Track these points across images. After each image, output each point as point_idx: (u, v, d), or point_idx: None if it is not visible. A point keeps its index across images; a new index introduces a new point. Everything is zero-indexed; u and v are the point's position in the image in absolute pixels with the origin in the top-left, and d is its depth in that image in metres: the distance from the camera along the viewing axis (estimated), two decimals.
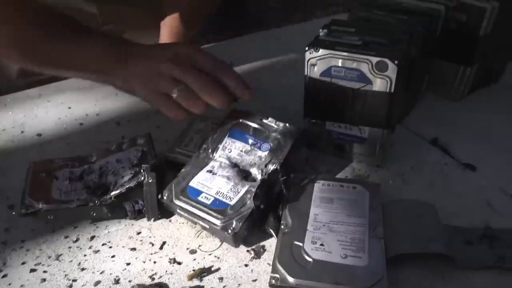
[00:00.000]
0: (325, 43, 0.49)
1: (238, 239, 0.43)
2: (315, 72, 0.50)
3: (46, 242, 0.47)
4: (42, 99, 0.72)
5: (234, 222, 0.43)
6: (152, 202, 0.47)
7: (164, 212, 0.48)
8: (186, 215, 0.46)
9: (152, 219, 0.48)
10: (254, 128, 0.52)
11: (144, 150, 0.53)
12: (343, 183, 0.49)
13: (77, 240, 0.47)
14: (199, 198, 0.45)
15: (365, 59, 0.46)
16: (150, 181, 0.46)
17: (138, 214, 0.48)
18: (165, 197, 0.46)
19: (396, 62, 0.45)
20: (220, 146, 0.51)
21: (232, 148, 0.50)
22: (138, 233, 0.47)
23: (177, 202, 0.45)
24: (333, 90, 0.50)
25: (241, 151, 0.50)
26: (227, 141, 0.51)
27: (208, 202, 0.45)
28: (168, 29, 0.86)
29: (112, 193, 0.47)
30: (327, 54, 0.48)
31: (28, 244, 0.46)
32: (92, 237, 0.47)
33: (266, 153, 0.50)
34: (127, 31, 0.91)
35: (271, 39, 0.90)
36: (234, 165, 0.49)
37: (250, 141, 0.51)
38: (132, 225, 0.48)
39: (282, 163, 0.49)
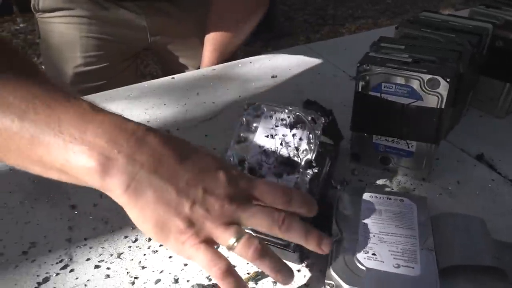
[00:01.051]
0: (377, 60, 0.51)
1: (302, 256, 0.44)
2: (365, 87, 0.52)
3: (108, 241, 0.50)
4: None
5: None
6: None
7: None
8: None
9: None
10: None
11: None
12: (390, 195, 0.50)
13: (136, 240, 0.50)
14: None
15: (417, 76, 0.48)
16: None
17: None
18: None
19: (448, 80, 0.46)
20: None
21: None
22: None
23: None
24: (382, 105, 0.51)
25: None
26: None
27: None
28: (211, 43, 0.90)
29: None
30: (378, 71, 0.50)
31: (90, 242, 0.50)
32: (150, 238, 0.50)
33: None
34: (173, 42, 0.95)
35: (311, 53, 0.92)
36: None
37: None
38: None
39: (327, 178, 0.49)
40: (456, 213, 0.49)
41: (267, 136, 0.46)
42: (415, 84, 0.48)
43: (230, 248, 0.36)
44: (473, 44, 0.56)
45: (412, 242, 0.44)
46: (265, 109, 0.47)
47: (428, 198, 0.50)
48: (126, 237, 0.50)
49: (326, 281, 0.41)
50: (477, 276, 0.42)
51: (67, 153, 0.33)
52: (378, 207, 0.49)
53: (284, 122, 0.46)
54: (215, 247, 0.38)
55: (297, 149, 0.44)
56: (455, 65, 0.50)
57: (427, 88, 0.48)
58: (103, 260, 0.47)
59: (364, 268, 0.41)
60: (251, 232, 0.44)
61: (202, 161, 0.38)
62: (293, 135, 0.45)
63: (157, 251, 0.48)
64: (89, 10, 0.86)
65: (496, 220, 0.48)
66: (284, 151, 0.45)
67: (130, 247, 0.49)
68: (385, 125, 0.53)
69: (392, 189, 0.55)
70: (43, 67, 1.00)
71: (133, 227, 0.51)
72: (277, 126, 0.46)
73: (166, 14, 0.90)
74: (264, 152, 0.46)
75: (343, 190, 0.51)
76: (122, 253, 0.48)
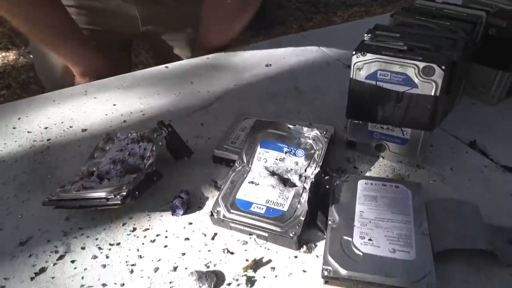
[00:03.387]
0: (372, 48, 0.51)
1: (300, 242, 0.45)
2: (361, 75, 0.52)
3: (105, 230, 0.50)
4: (89, 96, 0.76)
5: (295, 226, 0.45)
6: (181, 143, 0.57)
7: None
8: (241, 227, 0.47)
9: (191, 155, 0.57)
10: (284, 135, 0.55)
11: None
12: (385, 182, 0.51)
13: (134, 229, 0.50)
14: (252, 209, 0.47)
15: (412, 63, 0.48)
16: (170, 129, 0.56)
17: (188, 207, 0.51)
18: (215, 214, 0.48)
19: (443, 67, 0.46)
20: (255, 157, 0.53)
21: (267, 158, 0.53)
22: (190, 224, 0.50)
23: (230, 216, 0.47)
24: (377, 92, 0.52)
25: (276, 159, 0.53)
26: (260, 151, 0.54)
27: (262, 212, 0.47)
28: (206, 33, 0.89)
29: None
30: (373, 59, 0.50)
31: (87, 231, 0.50)
32: (147, 228, 0.50)
33: (302, 158, 0.52)
34: (166, 33, 0.94)
35: (305, 41, 0.92)
36: (272, 173, 0.52)
37: (284, 148, 0.53)
38: (183, 216, 0.51)
39: (321, 165, 0.51)
40: (450, 198, 0.49)
41: (118, 151, 0.57)
42: (410, 72, 0.49)
43: None
44: (467, 32, 0.56)
45: (407, 227, 0.44)
46: (119, 135, 0.60)
47: (422, 184, 0.51)
48: (124, 224, 0.50)
49: (323, 266, 0.41)
50: (470, 260, 0.43)
51: None
52: (374, 193, 0.49)
53: (134, 139, 0.58)
54: None
55: (142, 157, 0.54)
56: (449, 53, 0.50)
57: (422, 75, 0.48)
58: (101, 249, 0.47)
59: (360, 253, 0.42)
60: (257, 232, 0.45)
61: None
62: (139, 147, 0.56)
63: (154, 240, 0.48)
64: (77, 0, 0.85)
65: (489, 205, 0.49)
66: (130, 160, 0.55)
67: (128, 235, 0.49)
68: (380, 113, 0.53)
69: (387, 176, 0.55)
70: (31, 56, 0.99)
71: (131, 216, 0.52)
72: (127, 144, 0.58)
73: (159, 2, 0.89)
74: (113, 162, 0.55)
75: (339, 177, 0.52)
76: (119, 242, 0.48)
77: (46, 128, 0.68)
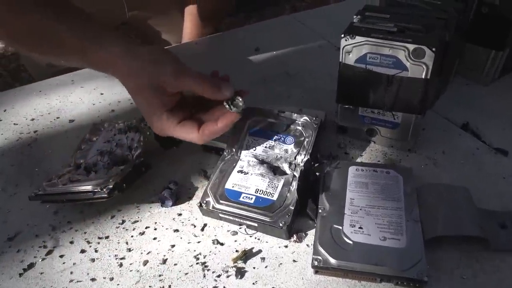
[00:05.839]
0: (361, 30, 0.49)
1: (289, 231, 0.45)
2: (350, 58, 0.50)
3: (94, 223, 0.49)
4: (76, 85, 0.74)
5: (285, 216, 0.44)
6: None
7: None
8: (230, 217, 0.46)
9: (179, 144, 0.55)
10: (273, 123, 0.54)
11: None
12: (376, 168, 0.50)
13: (123, 222, 0.49)
14: (241, 199, 0.46)
15: (402, 46, 0.47)
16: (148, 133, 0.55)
17: (177, 198, 0.51)
18: (204, 205, 0.47)
19: (433, 49, 0.45)
20: (244, 146, 0.52)
21: (256, 146, 0.52)
22: (179, 215, 0.50)
23: (219, 207, 0.46)
24: (367, 76, 0.51)
25: (265, 147, 0.52)
26: (249, 140, 0.53)
27: (251, 201, 0.46)
28: (191, 17, 0.87)
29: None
30: (363, 41, 0.48)
31: (76, 225, 0.49)
32: (136, 220, 0.49)
33: (291, 145, 0.51)
34: (152, 18, 0.92)
35: (296, 23, 0.90)
36: (261, 161, 0.51)
37: (273, 136, 0.52)
38: (173, 207, 0.50)
39: (311, 152, 0.50)
40: (441, 183, 0.49)
41: (105, 142, 0.56)
42: (400, 55, 0.47)
43: None
44: (459, 10, 0.54)
45: (398, 214, 0.44)
46: (106, 125, 0.59)
47: (414, 168, 0.50)
48: (113, 217, 0.50)
49: (313, 256, 0.41)
50: (461, 245, 0.43)
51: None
52: (365, 180, 0.48)
53: (121, 130, 0.57)
54: None
55: (130, 148, 0.54)
56: (441, 33, 0.49)
57: (413, 58, 0.47)
58: (89, 243, 0.47)
59: (351, 242, 0.41)
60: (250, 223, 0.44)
61: None
62: (126, 137, 0.55)
63: (144, 232, 0.48)
64: None
65: (481, 189, 0.49)
66: (118, 151, 0.54)
67: (117, 228, 0.48)
68: (371, 97, 0.52)
69: (379, 161, 0.55)
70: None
71: (120, 208, 0.51)
72: (115, 134, 0.57)
73: None
74: (100, 153, 0.54)
75: (329, 164, 0.51)
76: (108, 236, 0.48)
77: (32, 119, 0.67)
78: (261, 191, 0.47)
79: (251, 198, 0.46)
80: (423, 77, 0.48)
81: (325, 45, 0.81)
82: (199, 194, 0.52)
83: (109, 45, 0.46)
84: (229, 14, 0.94)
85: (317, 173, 0.50)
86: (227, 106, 0.48)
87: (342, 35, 0.50)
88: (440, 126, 0.60)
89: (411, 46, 0.46)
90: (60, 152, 0.59)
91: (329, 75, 0.71)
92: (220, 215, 0.47)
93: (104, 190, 0.46)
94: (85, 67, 0.51)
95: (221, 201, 0.47)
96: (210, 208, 0.47)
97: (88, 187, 0.47)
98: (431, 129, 0.59)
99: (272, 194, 0.47)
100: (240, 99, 0.48)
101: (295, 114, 0.53)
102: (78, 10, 0.49)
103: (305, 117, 0.53)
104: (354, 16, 0.52)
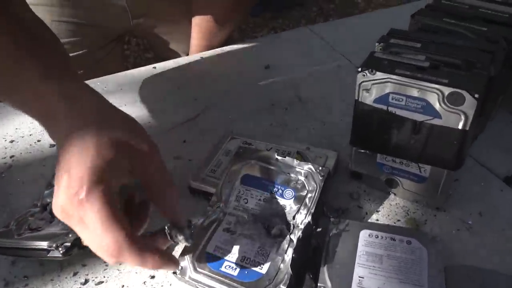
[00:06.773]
0: (383, 64, 0.40)
1: None
2: (368, 97, 0.41)
3: (52, 281, 0.42)
4: None
5: None
6: None
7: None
8: None
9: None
10: (271, 170, 0.45)
11: None
12: (395, 234, 0.40)
13: (85, 282, 0.41)
14: (223, 269, 0.38)
15: (435, 88, 0.37)
16: None
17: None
18: (178, 272, 0.39)
19: (476, 95, 0.35)
20: (233, 197, 0.44)
21: (248, 198, 0.43)
22: (152, 277, 0.41)
23: (197, 277, 0.38)
24: (389, 120, 0.41)
25: (259, 200, 0.43)
26: (241, 190, 0.44)
27: (235, 274, 0.37)
28: (198, 29, 0.79)
29: None
30: (385, 79, 0.39)
31: (33, 282, 0.42)
32: (102, 281, 0.41)
33: (291, 201, 0.42)
34: (158, 26, 0.84)
35: (313, 37, 0.80)
36: (253, 218, 0.42)
37: (269, 187, 0.43)
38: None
39: (314, 211, 0.41)
40: (478, 268, 0.39)
41: None
42: (432, 98, 0.37)
43: None
44: (509, 40, 0.44)
45: None
46: None
47: (443, 233, 0.41)
48: (75, 274, 0.42)
49: None
50: None
51: None
52: (379, 251, 0.39)
53: None
54: None
55: None
56: (485, 72, 0.38)
57: (448, 104, 0.37)
58: None
59: None
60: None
61: None
62: None
63: None
64: None
65: None
66: None
67: None
68: (392, 144, 0.43)
69: (398, 220, 0.45)
70: None
71: (85, 263, 0.43)
72: None
73: None
74: None
75: (337, 222, 0.42)
76: None
77: (12, 141, 0.60)
78: (248, 260, 0.38)
79: (235, 269, 0.38)
80: (460, 127, 0.38)
81: (345, 66, 0.71)
82: (178, 249, 0.43)
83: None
84: (253, 14, 0.86)
85: (318, 241, 0.41)
86: (167, 231, 0.36)
87: (359, 69, 0.40)
88: (478, 178, 0.49)
89: (447, 90, 0.36)
90: (33, 186, 0.52)
91: (346, 103, 0.62)
92: (197, 286, 0.38)
93: (60, 249, 0.39)
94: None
95: (199, 269, 0.38)
96: (186, 278, 0.38)
97: (43, 244, 0.39)
98: (466, 182, 0.48)
99: (261, 266, 0.38)
100: (182, 238, 0.36)
101: (297, 161, 0.44)
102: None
103: (310, 166, 0.43)
104: (376, 44, 0.43)
